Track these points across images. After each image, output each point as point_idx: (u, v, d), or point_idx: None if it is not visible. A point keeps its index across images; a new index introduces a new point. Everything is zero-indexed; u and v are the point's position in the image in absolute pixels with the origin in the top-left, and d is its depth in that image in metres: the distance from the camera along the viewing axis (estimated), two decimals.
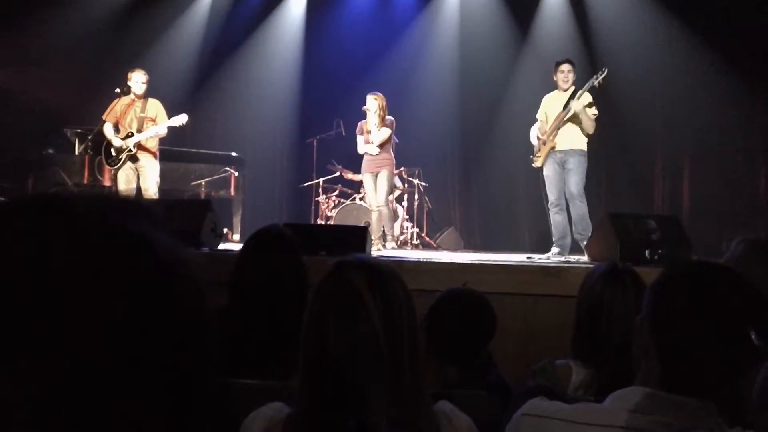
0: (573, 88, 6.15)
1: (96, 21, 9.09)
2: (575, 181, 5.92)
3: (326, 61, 10.18)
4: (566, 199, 6.04)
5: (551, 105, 6.26)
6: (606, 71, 5.93)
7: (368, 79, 9.20)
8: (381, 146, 7.01)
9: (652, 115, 9.39)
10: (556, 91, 6.30)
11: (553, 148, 6.03)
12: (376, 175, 7.11)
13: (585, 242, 5.78)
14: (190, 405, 0.52)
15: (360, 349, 1.31)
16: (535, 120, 6.48)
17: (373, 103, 7.00)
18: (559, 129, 6.01)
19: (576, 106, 5.88)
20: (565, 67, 6.19)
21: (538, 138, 6.24)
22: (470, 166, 10.36)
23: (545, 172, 6.14)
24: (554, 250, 6.13)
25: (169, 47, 9.70)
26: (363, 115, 7.13)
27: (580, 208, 5.94)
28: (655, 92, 9.35)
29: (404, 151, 9.18)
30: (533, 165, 6.28)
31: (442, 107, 10.15)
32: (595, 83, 5.93)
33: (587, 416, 1.27)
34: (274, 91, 10.36)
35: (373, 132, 7.01)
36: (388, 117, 7.06)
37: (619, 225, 5.12)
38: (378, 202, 7.11)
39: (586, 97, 5.99)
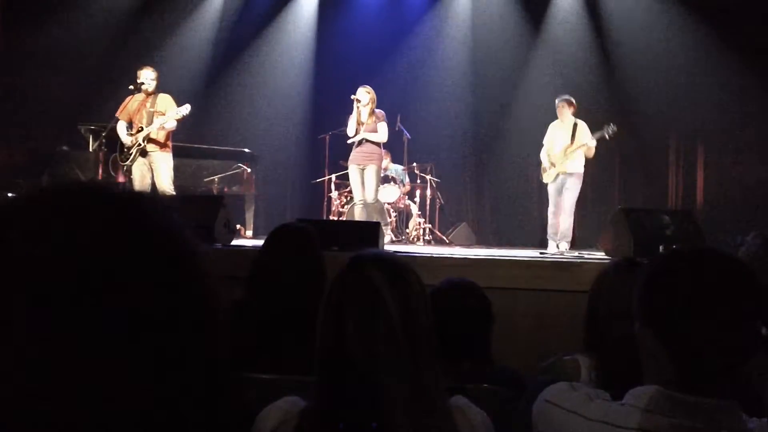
0: (572, 119, 7.16)
1: (110, 18, 9.11)
2: (570, 199, 7.09)
3: (338, 57, 10.16)
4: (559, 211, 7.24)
5: (556, 133, 7.29)
6: (616, 128, 6.98)
7: (380, 75, 9.19)
8: (372, 139, 6.98)
9: (665, 109, 9.32)
10: (559, 120, 7.29)
11: (559, 173, 7.16)
12: (363, 170, 7.02)
13: (563, 242, 7.09)
14: (205, 397, 0.52)
15: (378, 345, 1.31)
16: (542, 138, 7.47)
17: (365, 96, 6.97)
18: (565, 157, 7.11)
19: (589, 143, 6.98)
20: (559, 105, 7.23)
21: (548, 160, 7.34)
22: (482, 162, 10.33)
23: (549, 186, 7.32)
24: (551, 243, 7.22)
25: (182, 43, 9.72)
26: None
27: (568, 221, 7.10)
28: (668, 86, 9.28)
29: (416, 147, 9.17)
30: (543, 181, 7.41)
31: (454, 103, 10.12)
32: (606, 136, 7.02)
33: (604, 414, 1.26)
34: (286, 88, 10.36)
35: (367, 124, 6.97)
36: (378, 110, 7.03)
37: (633, 220, 5.11)
38: (367, 199, 7.01)
39: (593, 141, 7.00)
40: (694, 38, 8.93)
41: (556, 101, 7.31)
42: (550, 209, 7.26)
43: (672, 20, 9.12)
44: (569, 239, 7.11)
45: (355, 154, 7.08)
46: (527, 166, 9.83)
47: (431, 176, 9.16)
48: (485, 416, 1.46)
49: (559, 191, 7.18)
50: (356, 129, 7.03)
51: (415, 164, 9.17)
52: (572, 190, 7.09)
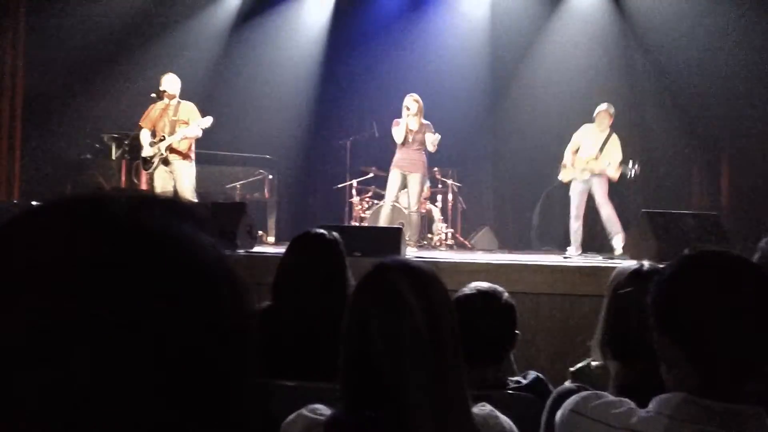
0: (608, 130, 6.93)
1: (128, 25, 9.18)
2: (601, 194, 6.93)
3: (357, 60, 10.18)
4: (596, 206, 7.01)
5: (587, 137, 7.05)
6: (638, 169, 6.84)
7: (401, 79, 9.19)
8: (420, 147, 7.04)
9: (689, 108, 9.21)
10: (595, 125, 7.01)
11: (574, 179, 7.04)
12: (406, 176, 7.07)
13: (616, 236, 6.73)
14: (230, 405, 0.51)
15: (403, 351, 1.31)
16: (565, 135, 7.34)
17: (413, 105, 6.97)
18: (586, 166, 6.94)
19: (610, 173, 6.81)
20: (601, 112, 6.95)
21: (571, 160, 7.13)
22: (504, 165, 10.28)
23: (572, 188, 7.12)
24: (571, 248, 7.01)
25: (200, 49, 9.74)
26: (397, 114, 7.08)
27: (606, 210, 6.89)
28: (692, 85, 9.16)
29: (437, 151, 9.13)
30: (559, 178, 7.28)
31: (475, 105, 10.06)
32: (628, 174, 6.82)
33: (630, 423, 1.25)
34: (307, 93, 10.37)
35: (414, 131, 6.99)
36: (425, 121, 7.06)
37: (657, 223, 5.07)
38: (411, 208, 7.14)
39: (615, 174, 6.82)
40: (720, 36, 8.80)
41: (599, 108, 7.03)
42: (572, 212, 7.09)
43: (699, 12, 8.95)
44: (619, 230, 6.76)
45: (400, 160, 7.10)
46: (549, 169, 9.77)
47: (452, 181, 9.14)
48: (512, 424, 1.45)
49: (581, 195, 7.03)
50: (405, 137, 7.02)
51: (436, 169, 9.15)
52: (600, 185, 6.95)
